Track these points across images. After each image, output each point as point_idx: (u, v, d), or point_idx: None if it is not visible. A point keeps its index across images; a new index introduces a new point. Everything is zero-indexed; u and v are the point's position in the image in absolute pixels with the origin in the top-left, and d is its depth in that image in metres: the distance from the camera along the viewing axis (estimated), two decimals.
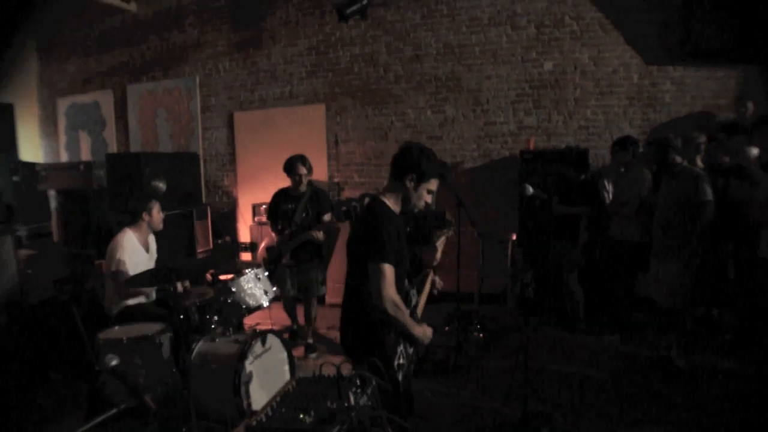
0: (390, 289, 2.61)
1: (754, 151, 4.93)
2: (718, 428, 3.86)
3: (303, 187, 5.55)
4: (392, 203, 2.81)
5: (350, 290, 2.88)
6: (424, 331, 2.81)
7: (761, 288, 4.66)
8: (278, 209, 5.61)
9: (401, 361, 2.77)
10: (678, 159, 4.71)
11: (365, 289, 2.67)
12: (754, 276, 4.81)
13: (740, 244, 5.28)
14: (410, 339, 2.80)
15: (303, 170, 5.47)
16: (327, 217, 5.51)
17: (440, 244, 3.31)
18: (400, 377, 2.76)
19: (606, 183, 5.88)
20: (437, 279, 3.23)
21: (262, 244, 5.83)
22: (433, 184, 2.82)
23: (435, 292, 3.25)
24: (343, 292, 2.91)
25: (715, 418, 3.97)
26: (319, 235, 5.41)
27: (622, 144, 5.53)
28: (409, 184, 2.76)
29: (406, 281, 2.91)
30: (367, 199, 7.19)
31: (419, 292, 3.04)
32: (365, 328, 2.75)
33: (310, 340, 5.71)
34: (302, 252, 5.54)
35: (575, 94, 6.90)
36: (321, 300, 6.79)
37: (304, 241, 5.47)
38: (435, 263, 3.23)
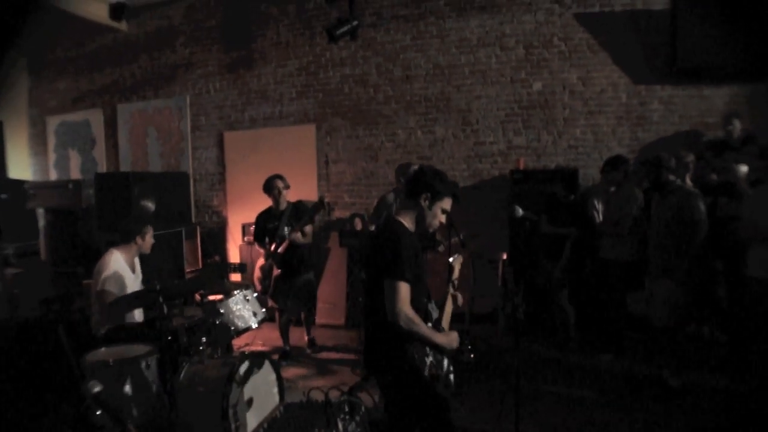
0: (404, 306, 2.64)
1: (744, 169, 4.96)
2: None
3: (283, 203, 5.71)
4: (408, 223, 2.88)
5: (369, 309, 2.91)
6: (448, 338, 2.86)
7: (750, 306, 4.67)
8: (265, 230, 5.75)
9: (434, 371, 2.77)
10: (672, 178, 4.73)
11: (382, 305, 2.70)
12: (742, 294, 4.82)
13: (729, 261, 5.30)
14: (437, 349, 2.83)
15: (280, 184, 5.65)
16: (308, 229, 5.62)
17: (456, 263, 3.37)
18: (438, 388, 2.77)
19: (596, 203, 5.88)
20: (459, 295, 3.27)
21: (257, 266, 5.88)
22: (447, 203, 2.90)
23: (458, 305, 3.29)
24: (361, 310, 2.92)
25: None
26: (298, 236, 5.51)
27: (613, 164, 5.52)
28: (424, 203, 2.85)
29: (425, 298, 2.94)
30: (356, 219, 7.19)
31: (440, 308, 3.08)
32: (388, 344, 2.76)
33: (311, 336, 6.08)
34: (290, 261, 5.63)
35: (564, 114, 6.95)
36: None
37: (289, 249, 5.55)
38: (452, 283, 3.29)
